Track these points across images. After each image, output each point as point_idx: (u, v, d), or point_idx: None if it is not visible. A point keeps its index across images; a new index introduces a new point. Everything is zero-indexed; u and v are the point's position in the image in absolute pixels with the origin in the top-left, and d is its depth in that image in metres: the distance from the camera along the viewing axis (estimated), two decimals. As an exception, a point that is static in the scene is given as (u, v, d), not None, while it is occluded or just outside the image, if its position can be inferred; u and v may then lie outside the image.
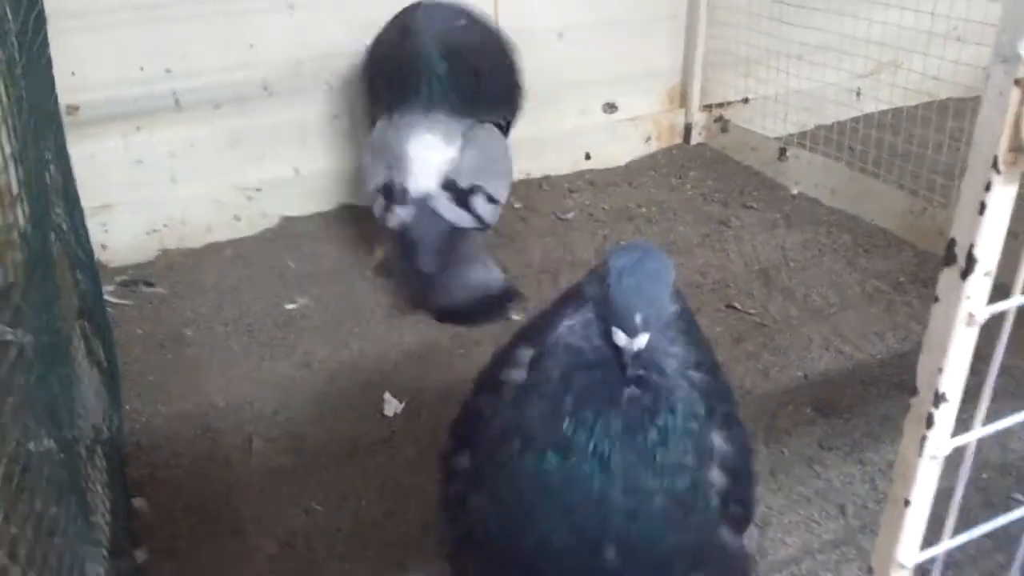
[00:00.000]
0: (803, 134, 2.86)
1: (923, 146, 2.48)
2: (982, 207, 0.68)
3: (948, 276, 0.73)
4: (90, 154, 2.29)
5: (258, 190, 2.59)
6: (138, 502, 1.58)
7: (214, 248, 2.52)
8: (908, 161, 2.49)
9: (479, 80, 2.26)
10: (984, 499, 1.53)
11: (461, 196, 2.14)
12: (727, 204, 2.71)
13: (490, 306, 2.15)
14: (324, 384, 1.91)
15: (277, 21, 2.46)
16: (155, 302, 2.26)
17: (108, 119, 2.36)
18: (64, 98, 1.91)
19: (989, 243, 0.71)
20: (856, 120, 2.75)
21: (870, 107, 2.88)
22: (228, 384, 1.92)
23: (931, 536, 0.82)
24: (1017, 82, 0.64)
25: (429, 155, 2.14)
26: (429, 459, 1.68)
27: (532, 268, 2.36)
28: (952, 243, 0.72)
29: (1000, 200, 0.69)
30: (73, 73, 2.20)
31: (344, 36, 2.53)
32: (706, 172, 2.94)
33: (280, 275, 2.37)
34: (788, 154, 2.78)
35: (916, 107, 2.78)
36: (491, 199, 2.18)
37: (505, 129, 2.38)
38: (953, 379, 0.77)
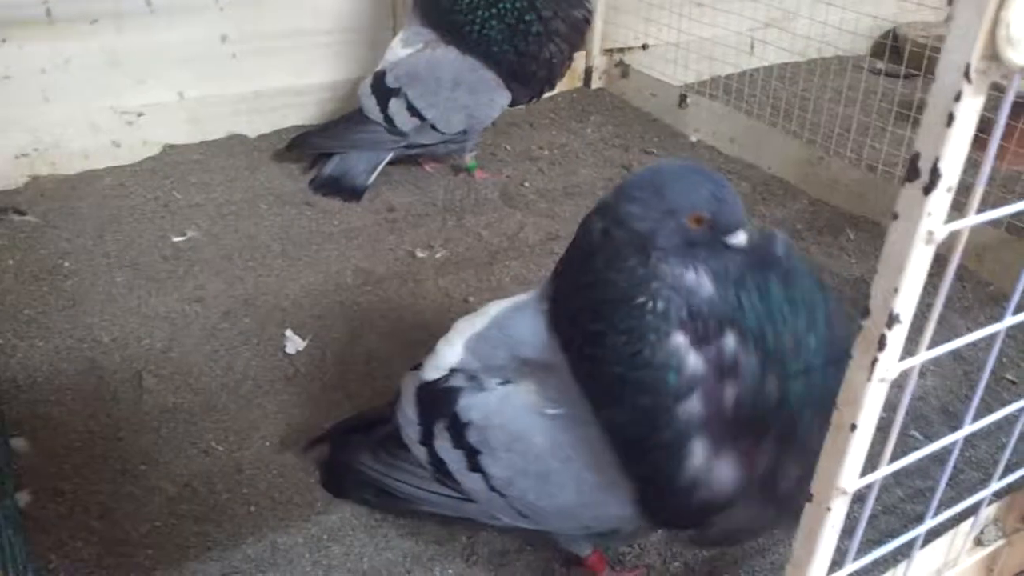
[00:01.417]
0: (702, 83, 2.89)
1: (816, 98, 2.55)
2: (950, 119, 0.67)
3: (909, 192, 0.72)
4: (-52, 67, 2.08)
5: (140, 115, 2.42)
6: (17, 442, 1.45)
7: (91, 176, 2.34)
8: (805, 112, 2.54)
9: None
10: (883, 437, 1.59)
11: (384, 92, 2.26)
12: (628, 149, 2.71)
13: (340, 192, 2.29)
14: (218, 320, 1.81)
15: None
16: (27, 231, 2.08)
17: (-31, 29, 2.15)
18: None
19: (954, 158, 0.70)
20: (754, 71, 2.79)
21: (768, 58, 2.93)
22: (113, 319, 1.79)
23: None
24: (998, -17, 0.63)
25: (389, 52, 2.35)
26: (336, 399, 1.62)
27: (436, 206, 2.30)
28: (915, 157, 0.71)
29: (968, 112, 0.68)
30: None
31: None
32: (606, 117, 2.93)
33: (165, 205, 2.23)
34: (688, 101, 2.80)
35: (808, 62, 2.85)
36: (412, 109, 2.25)
37: (502, 68, 2.28)
38: (907, 300, 0.77)
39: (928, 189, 0.71)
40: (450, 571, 1.32)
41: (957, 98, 0.66)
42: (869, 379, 0.78)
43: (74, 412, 1.56)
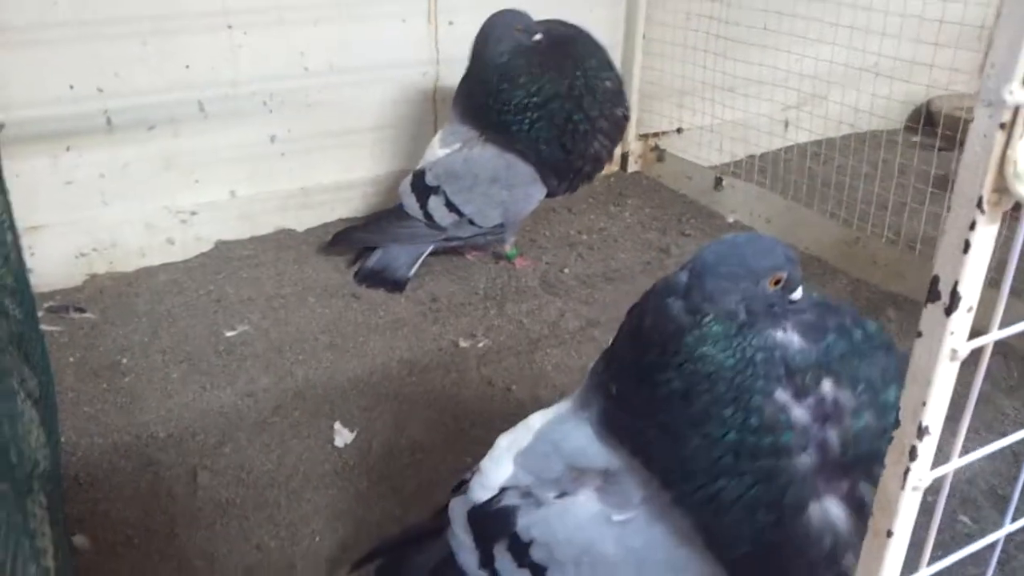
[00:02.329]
0: (737, 164, 2.94)
1: (852, 176, 2.58)
2: (966, 246, 0.71)
3: (932, 312, 0.76)
4: (16, 174, 2.19)
5: (193, 213, 2.53)
6: (79, 540, 1.51)
7: (147, 272, 2.44)
8: (841, 191, 2.57)
9: (491, 96, 2.31)
10: (928, 521, 1.58)
11: (423, 190, 2.37)
12: (665, 232, 2.76)
13: (383, 283, 2.37)
14: (270, 414, 1.87)
15: (214, 41, 2.41)
16: (86, 328, 2.18)
17: (36, 138, 2.27)
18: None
19: (972, 280, 0.74)
20: (788, 150, 2.84)
21: (801, 137, 2.98)
22: (168, 414, 1.86)
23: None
24: (1002, 126, 0.67)
25: (428, 151, 2.46)
26: (382, 491, 1.66)
27: (478, 294, 2.36)
28: (935, 280, 0.75)
29: (983, 239, 0.72)
30: (-1, 90, 2.12)
31: (282, 57, 2.51)
32: (643, 200, 2.99)
33: (217, 301, 2.31)
34: (723, 183, 2.85)
35: (843, 138, 2.89)
36: (450, 205, 2.34)
37: (545, 165, 2.36)
38: (936, 412, 0.79)
39: (949, 311, 0.74)
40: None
41: (972, 227, 0.70)
42: (903, 488, 0.81)
43: (132, 508, 1.61)
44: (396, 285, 2.35)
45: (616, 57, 3.03)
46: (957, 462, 0.84)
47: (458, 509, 1.26)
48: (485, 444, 1.77)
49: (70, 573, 1.38)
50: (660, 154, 3.12)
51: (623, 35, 3.06)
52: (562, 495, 1.14)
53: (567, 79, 2.28)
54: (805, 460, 1.01)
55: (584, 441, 1.13)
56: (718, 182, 2.87)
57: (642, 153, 3.18)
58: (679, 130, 3.15)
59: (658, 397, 1.05)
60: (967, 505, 1.64)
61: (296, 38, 2.50)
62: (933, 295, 0.76)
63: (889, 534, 0.82)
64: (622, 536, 1.09)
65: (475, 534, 1.22)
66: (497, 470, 1.21)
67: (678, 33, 2.90)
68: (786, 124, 3.07)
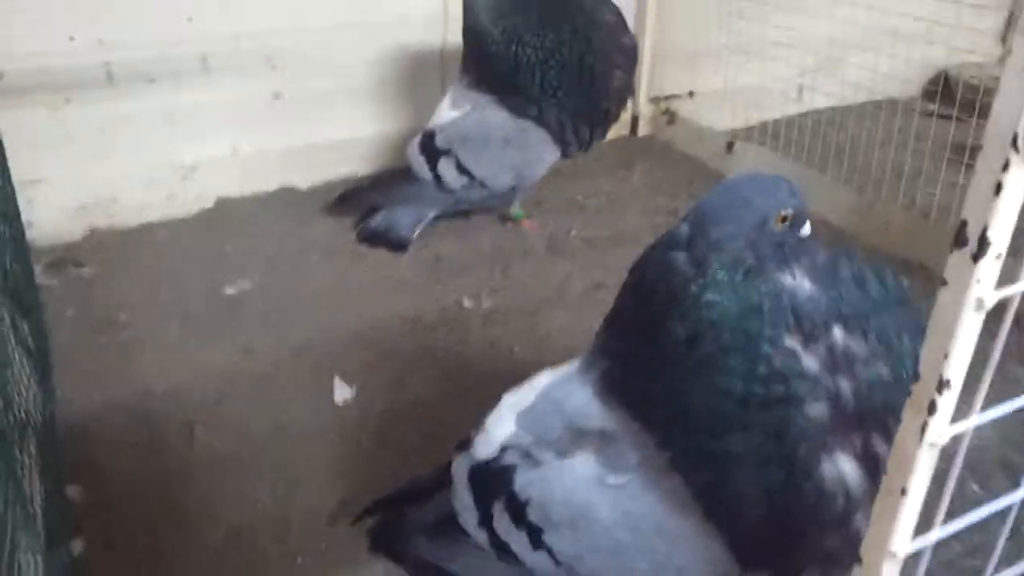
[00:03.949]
0: (749, 128, 2.88)
1: (867, 143, 2.53)
2: (998, 187, 0.67)
3: (958, 259, 0.72)
4: (15, 126, 2.15)
5: (194, 169, 2.49)
6: (72, 491, 1.49)
7: (147, 228, 2.41)
8: (855, 157, 2.52)
9: (496, 61, 2.26)
10: (939, 486, 1.55)
11: (433, 152, 2.31)
12: (675, 196, 2.71)
13: (386, 243, 2.32)
14: (269, 370, 1.84)
15: (219, -4, 2.36)
16: (85, 284, 2.15)
17: (35, 88, 2.23)
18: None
19: (1003, 225, 0.69)
20: (803, 116, 2.78)
21: (816, 103, 2.92)
22: (166, 370, 1.83)
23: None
24: (1045, 57, 0.62)
25: (438, 113, 2.38)
26: (382, 448, 1.63)
27: (483, 255, 2.32)
28: (964, 224, 0.70)
29: (1017, 181, 0.67)
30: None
31: (285, 13, 2.45)
32: (653, 164, 2.94)
33: (218, 258, 2.28)
34: (735, 148, 2.80)
35: (859, 106, 2.83)
36: (462, 168, 2.30)
37: (568, 119, 2.32)
38: (958, 365, 0.75)
39: (977, 256, 0.70)
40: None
41: (1005, 167, 0.66)
42: (920, 444, 0.77)
43: (128, 462, 1.59)
44: (399, 245, 2.31)
45: (628, 19, 2.97)
46: (978, 418, 0.80)
47: (460, 467, 1.23)
48: (486, 404, 1.75)
49: (63, 522, 1.36)
50: (671, 117, 3.06)
51: (635, -3, 2.99)
52: (560, 456, 1.11)
53: (568, 23, 2.23)
54: (816, 411, 0.96)
55: (584, 402, 1.10)
56: (730, 146, 2.81)
57: (653, 116, 3.12)
58: (691, 93, 3.08)
59: (661, 350, 1.01)
60: (978, 473, 1.61)
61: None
62: (960, 240, 0.71)
63: (903, 492, 0.79)
64: (617, 500, 1.06)
65: (475, 492, 1.20)
66: (499, 428, 1.18)
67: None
68: (800, 89, 3.01)
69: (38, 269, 2.11)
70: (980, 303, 0.73)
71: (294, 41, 2.49)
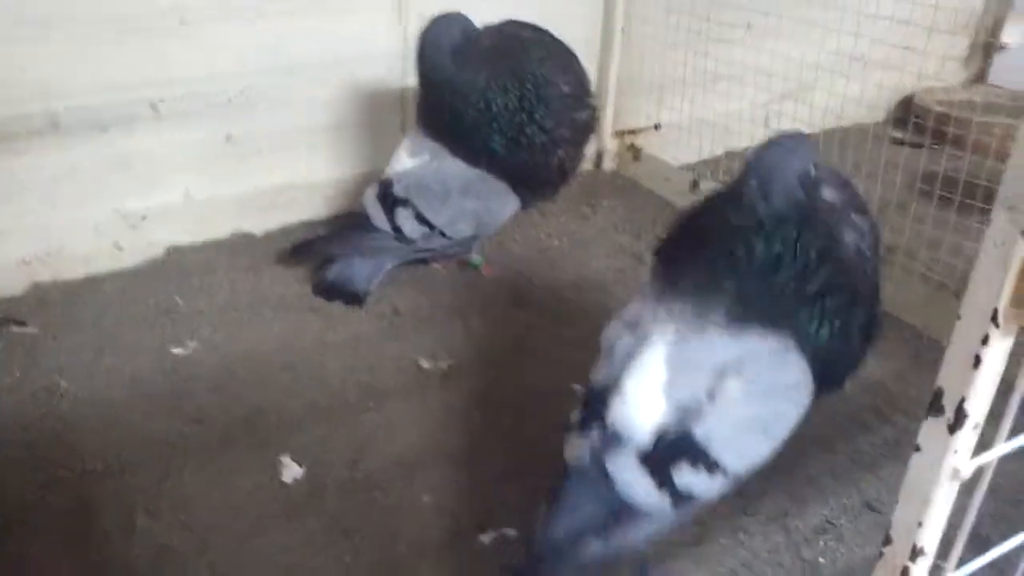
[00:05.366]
0: (715, 162, 2.84)
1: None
2: (977, 361, 0.61)
3: (934, 427, 0.66)
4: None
5: (143, 217, 2.39)
6: (1, 593, 1.40)
7: (93, 281, 2.31)
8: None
9: (445, 113, 2.20)
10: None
11: (391, 202, 2.25)
12: (639, 236, 2.66)
13: (342, 296, 2.24)
14: (217, 445, 1.75)
15: (167, 39, 2.26)
16: (27, 345, 2.04)
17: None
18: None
19: (981, 397, 0.64)
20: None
21: (783, 129, 2.87)
22: (107, 445, 1.73)
23: None
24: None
25: (395, 161, 2.32)
26: (333, 535, 1.55)
27: (442, 308, 2.25)
28: (939, 393, 0.65)
29: (996, 354, 0.62)
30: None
31: (236, 56, 2.36)
32: (618, 201, 2.89)
33: (166, 313, 2.19)
34: (701, 186, 2.75)
35: (826, 132, 2.79)
36: (421, 219, 2.23)
37: (513, 178, 2.27)
38: (932, 533, 0.70)
39: (954, 428, 0.64)
40: None
41: (984, 341, 0.60)
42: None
43: (63, 553, 1.49)
44: (356, 298, 2.23)
45: (593, 52, 2.93)
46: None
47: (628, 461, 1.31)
48: (441, 480, 1.68)
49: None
50: (636, 153, 3.01)
51: (601, 29, 2.94)
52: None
53: (515, 91, 2.16)
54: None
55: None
56: (695, 185, 2.76)
57: (618, 152, 3.07)
58: (657, 126, 3.04)
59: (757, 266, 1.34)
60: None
61: (253, 33, 2.36)
62: (936, 409, 0.66)
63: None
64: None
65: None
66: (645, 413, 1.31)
67: (659, 27, 2.78)
68: (766, 118, 2.97)
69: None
70: (956, 473, 0.67)
71: (248, 82, 2.40)
